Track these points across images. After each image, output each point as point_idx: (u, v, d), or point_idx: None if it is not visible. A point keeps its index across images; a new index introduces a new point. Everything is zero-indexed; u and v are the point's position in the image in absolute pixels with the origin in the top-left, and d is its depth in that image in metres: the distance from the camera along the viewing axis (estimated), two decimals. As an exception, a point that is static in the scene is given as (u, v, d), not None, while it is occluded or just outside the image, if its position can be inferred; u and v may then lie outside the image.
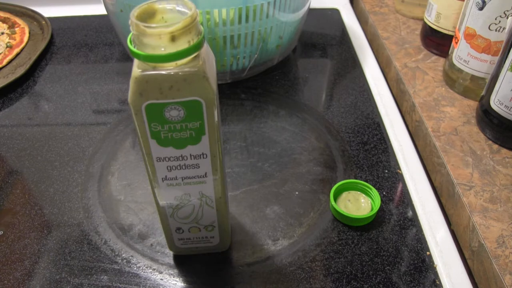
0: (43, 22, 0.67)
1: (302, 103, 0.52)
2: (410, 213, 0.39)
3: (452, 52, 0.50)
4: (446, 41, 0.54)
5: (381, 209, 0.39)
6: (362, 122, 0.49)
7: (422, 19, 0.60)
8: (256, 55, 0.52)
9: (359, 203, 0.39)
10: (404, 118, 0.52)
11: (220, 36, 0.48)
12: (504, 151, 0.43)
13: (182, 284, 0.34)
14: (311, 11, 0.69)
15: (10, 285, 0.34)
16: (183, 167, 0.28)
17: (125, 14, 0.48)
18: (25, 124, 0.50)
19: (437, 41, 0.56)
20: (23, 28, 0.65)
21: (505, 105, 0.41)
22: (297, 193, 0.41)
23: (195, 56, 0.24)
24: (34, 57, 0.59)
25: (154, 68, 0.23)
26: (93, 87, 0.56)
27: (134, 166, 0.44)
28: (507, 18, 0.43)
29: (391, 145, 0.46)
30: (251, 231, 0.37)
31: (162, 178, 0.28)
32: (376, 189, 0.40)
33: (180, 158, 0.27)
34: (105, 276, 0.34)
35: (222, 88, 0.54)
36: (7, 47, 0.61)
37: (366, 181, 0.42)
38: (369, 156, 0.45)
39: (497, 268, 0.33)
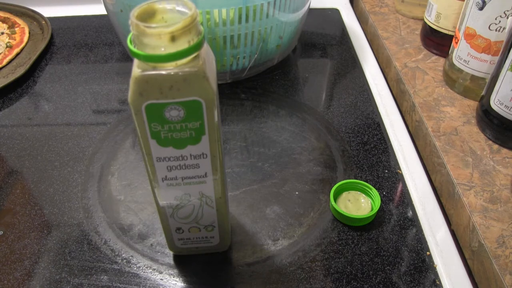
0: (43, 22, 0.67)
1: (302, 103, 0.52)
2: (410, 213, 0.39)
3: (452, 52, 0.50)
4: (446, 41, 0.54)
5: (381, 209, 0.39)
6: (362, 122, 0.49)
7: (422, 19, 0.60)
8: (256, 55, 0.52)
9: (359, 203, 0.39)
10: (404, 118, 0.52)
11: (220, 36, 0.48)
12: (504, 151, 0.43)
13: (182, 284, 0.34)
14: (311, 11, 0.69)
15: (10, 285, 0.34)
16: (183, 167, 0.28)
17: (125, 14, 0.48)
18: (25, 124, 0.50)
19: (437, 41, 0.56)
20: (23, 28, 0.65)
21: (505, 105, 0.41)
22: (297, 193, 0.41)
23: (195, 56, 0.24)
24: (34, 57, 0.59)
25: (154, 68, 0.23)
26: (93, 87, 0.56)
27: (134, 166, 0.44)
28: (507, 18, 0.43)
29: (391, 145, 0.46)
30: (251, 231, 0.37)
31: (162, 178, 0.28)
32: (376, 189, 0.40)
33: (180, 158, 0.27)
34: (105, 276, 0.34)
35: (222, 88, 0.54)
36: (7, 47, 0.61)
37: (366, 181, 0.42)
38: (369, 156, 0.45)
39: (497, 268, 0.33)
